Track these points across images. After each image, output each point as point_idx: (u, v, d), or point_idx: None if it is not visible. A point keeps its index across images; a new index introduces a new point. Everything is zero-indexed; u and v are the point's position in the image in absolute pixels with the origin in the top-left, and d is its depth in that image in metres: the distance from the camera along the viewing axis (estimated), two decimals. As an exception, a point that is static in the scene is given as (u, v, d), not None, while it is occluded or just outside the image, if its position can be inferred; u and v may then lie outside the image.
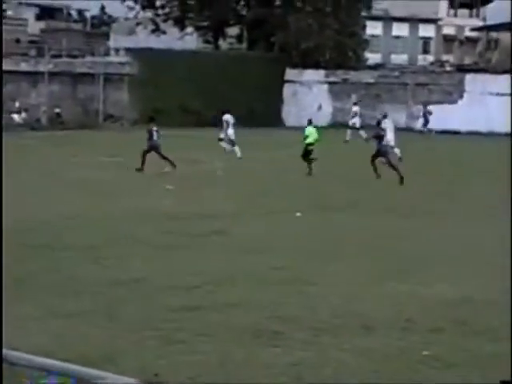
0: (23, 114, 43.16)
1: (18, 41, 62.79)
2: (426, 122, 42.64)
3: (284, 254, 13.02)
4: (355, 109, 38.91)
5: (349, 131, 37.40)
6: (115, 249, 13.16)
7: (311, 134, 26.13)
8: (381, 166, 23.40)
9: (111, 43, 63.76)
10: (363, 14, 53.05)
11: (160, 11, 52.54)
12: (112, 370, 7.10)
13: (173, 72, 44.61)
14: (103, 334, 8.76)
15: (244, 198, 19.52)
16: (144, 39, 56.02)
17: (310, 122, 26.91)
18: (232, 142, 29.21)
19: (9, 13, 70.41)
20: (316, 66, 48.01)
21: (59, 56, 49.35)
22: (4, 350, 3.51)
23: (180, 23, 52.47)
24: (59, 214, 16.41)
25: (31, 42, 63.79)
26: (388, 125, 26.70)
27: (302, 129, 29.63)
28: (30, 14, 74.07)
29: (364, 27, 54.24)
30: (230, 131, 29.46)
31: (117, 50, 59.85)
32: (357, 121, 37.79)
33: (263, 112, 45.99)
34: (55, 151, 29.30)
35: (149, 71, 44.61)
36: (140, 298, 10.24)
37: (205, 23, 52.05)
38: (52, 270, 11.57)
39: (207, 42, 54.00)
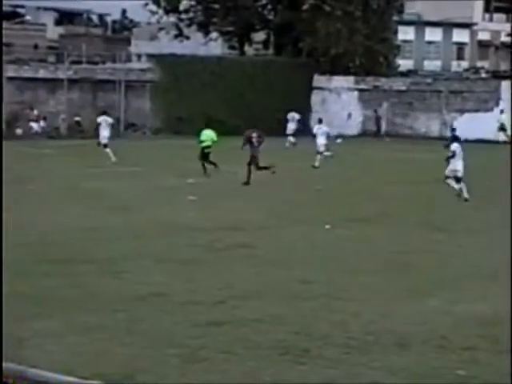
0: (42, 123, 42.41)
1: (36, 46, 61.91)
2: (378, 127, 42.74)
3: (313, 267, 12.80)
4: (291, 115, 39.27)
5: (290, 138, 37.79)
6: (137, 262, 12.95)
7: (208, 136, 26.73)
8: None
9: (133, 49, 62.88)
10: (395, 18, 51.91)
11: (184, 16, 51.67)
12: None
13: (196, 79, 43.93)
14: (124, 350, 8.52)
15: (271, 209, 19.27)
16: (167, 45, 54.90)
17: (207, 125, 27.80)
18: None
19: (27, 18, 69.59)
20: (345, 72, 47.04)
21: (79, 62, 48.30)
22: (23, 367, 3.56)
23: (204, 28, 51.63)
24: (80, 227, 16.21)
25: (50, 47, 62.93)
26: (318, 130, 29.40)
27: (331, 138, 29.19)
28: (49, 19, 73.22)
29: (395, 32, 53.15)
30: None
31: (138, 56, 58.90)
32: (292, 127, 37.77)
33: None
34: (74, 161, 29.24)
35: (171, 78, 43.91)
36: (162, 313, 10.02)
37: (230, 28, 51.23)
38: (73, 284, 11.39)
39: (232, 47, 53.23)
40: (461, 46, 73.02)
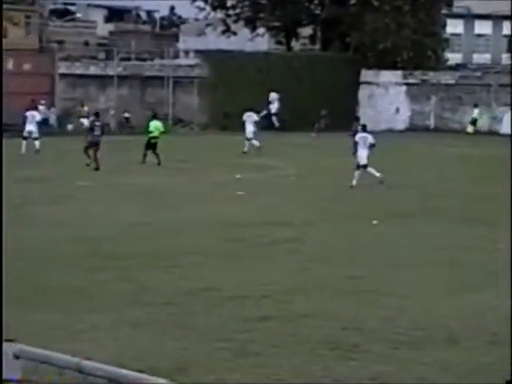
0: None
1: (86, 43, 62.49)
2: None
3: (360, 263, 12.73)
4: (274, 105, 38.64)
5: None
6: (185, 257, 13.03)
7: (156, 127, 27.49)
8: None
9: (180, 45, 63.16)
10: (443, 11, 51.21)
11: (231, 11, 51.70)
12: (185, 382, 7.25)
13: (243, 74, 43.84)
14: (175, 344, 8.61)
15: (317, 204, 19.22)
16: (214, 41, 55.10)
17: (154, 116, 28.68)
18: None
19: (78, 15, 70.29)
20: (393, 66, 46.61)
21: (128, 59, 48.72)
22: (78, 359, 3.57)
23: (251, 24, 51.60)
24: (129, 222, 16.30)
25: (100, 44, 63.43)
26: (247, 118, 30.83)
27: (379, 133, 28.96)
28: (99, 16, 73.85)
29: (444, 26, 52.55)
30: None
31: (186, 52, 59.16)
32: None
33: (337, 115, 44.52)
34: (123, 157, 29.07)
35: (219, 74, 44.01)
36: (211, 307, 10.10)
37: (277, 23, 51.13)
38: (123, 279, 11.51)
39: (279, 42, 53.13)
40: (511, 39, 71.91)
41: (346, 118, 42.50)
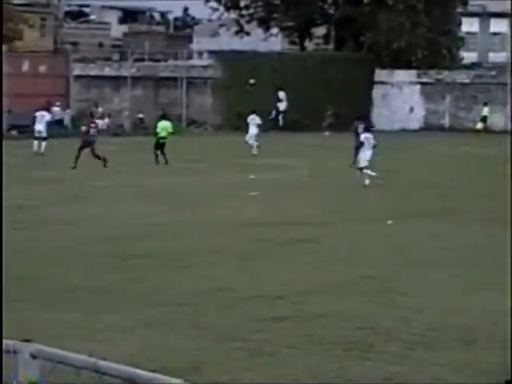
0: (106, 120, 42.85)
1: (101, 45, 62.72)
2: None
3: (375, 262, 12.70)
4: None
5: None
6: (200, 257, 13.06)
7: (163, 128, 27.67)
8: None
9: (194, 46, 63.24)
10: (458, 10, 50.97)
11: (244, 12, 51.75)
12: (199, 382, 7.26)
13: (257, 75, 43.76)
14: (189, 344, 8.62)
15: (332, 204, 19.20)
16: (227, 41, 55.15)
17: (163, 116, 28.97)
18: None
19: (92, 17, 70.53)
20: (407, 66, 46.44)
21: (142, 60, 48.85)
22: (94, 359, 3.60)
23: (265, 24, 51.62)
24: (145, 222, 16.36)
25: (114, 46, 63.65)
26: (251, 121, 31.40)
27: (393, 133, 28.66)
28: (113, 18, 74.09)
29: (459, 24, 52.26)
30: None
31: (200, 53, 59.23)
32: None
33: (351, 115, 44.44)
34: (138, 157, 29.15)
35: (232, 74, 44.04)
36: (225, 307, 10.11)
37: (290, 23, 51.13)
38: (139, 279, 11.54)
39: (293, 42, 53.14)
40: (527, 38, 71.55)
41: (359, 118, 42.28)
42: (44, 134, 30.88)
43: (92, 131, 27.24)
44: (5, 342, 3.60)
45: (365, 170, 22.58)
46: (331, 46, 51.18)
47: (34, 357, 3.53)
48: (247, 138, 31.67)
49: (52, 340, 4.57)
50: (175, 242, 14.36)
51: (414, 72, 46.75)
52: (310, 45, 53.19)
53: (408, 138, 37.61)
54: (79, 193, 20.75)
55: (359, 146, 23.48)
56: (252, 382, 7.58)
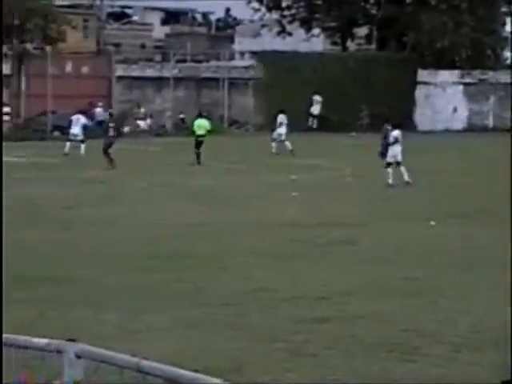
0: (148, 120, 43.12)
1: (143, 46, 63.07)
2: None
3: (417, 264, 12.61)
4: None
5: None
6: (241, 258, 13.10)
7: (200, 126, 27.83)
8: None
9: (236, 46, 63.24)
10: (503, 9, 50.34)
11: (286, 12, 51.70)
12: (240, 382, 7.31)
13: (299, 75, 43.72)
14: (230, 344, 8.65)
15: (373, 205, 19.13)
16: (269, 41, 55.10)
17: (199, 115, 29.25)
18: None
19: (134, 18, 70.95)
20: (450, 66, 45.96)
21: (184, 61, 49.02)
22: (137, 359, 3.59)
23: (306, 24, 51.53)
24: (185, 223, 16.42)
25: (156, 47, 63.95)
26: (281, 120, 31.77)
27: (436, 133, 28.32)
28: (155, 19, 74.40)
29: (504, 24, 51.56)
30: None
31: (242, 54, 59.24)
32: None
33: (394, 115, 44.19)
34: (179, 157, 29.22)
35: (274, 75, 44.04)
36: (266, 308, 10.12)
37: (332, 24, 50.97)
38: (180, 279, 11.59)
39: (334, 43, 52.94)
40: None
41: (402, 119, 42.18)
42: (80, 137, 31.06)
43: (111, 132, 27.51)
44: (50, 341, 3.61)
45: (389, 169, 22.51)
46: (373, 47, 50.96)
47: (78, 356, 3.54)
48: (275, 135, 32.01)
49: (94, 340, 4.58)
50: (216, 243, 14.41)
51: (457, 72, 46.33)
52: (351, 45, 52.99)
53: (451, 139, 37.29)
54: (120, 193, 20.88)
55: (393, 142, 23.25)
56: (293, 382, 7.57)
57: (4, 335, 3.76)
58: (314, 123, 41.61)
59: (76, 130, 31.26)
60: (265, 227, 15.98)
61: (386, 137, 24.82)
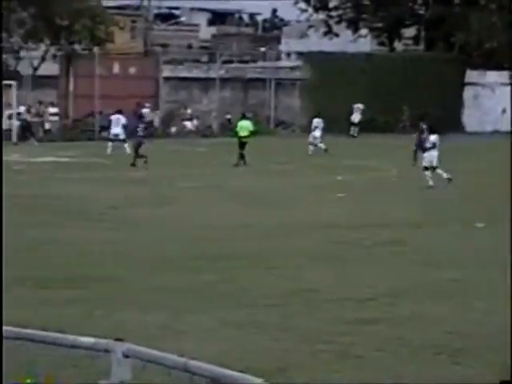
0: (195, 121, 43.31)
1: (190, 47, 63.38)
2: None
3: (464, 265, 12.52)
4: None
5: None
6: (287, 259, 13.11)
7: (243, 127, 27.98)
8: None
9: (282, 47, 63.30)
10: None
11: (333, 13, 51.60)
12: (286, 383, 7.32)
13: (345, 76, 43.60)
14: (276, 345, 8.65)
15: (419, 206, 19.01)
16: (316, 42, 55.01)
17: (243, 116, 29.53)
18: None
19: (181, 19, 71.33)
20: (499, 66, 45.35)
21: (230, 61, 49.16)
22: (185, 359, 3.60)
23: (354, 25, 51.37)
24: (232, 224, 16.45)
25: (203, 47, 64.23)
26: (317, 124, 32.56)
27: (485, 134, 27.98)
28: (202, 20, 74.78)
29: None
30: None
31: (288, 54, 59.27)
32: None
33: (441, 116, 43.85)
34: (226, 158, 29.37)
35: (321, 75, 43.98)
36: (313, 309, 10.10)
37: (380, 24, 50.65)
38: (226, 280, 11.62)
39: (382, 43, 52.57)
40: None
41: (450, 120, 41.98)
42: (121, 137, 31.23)
43: (140, 131, 27.73)
44: (98, 340, 3.63)
45: (435, 171, 22.41)
46: (421, 47, 50.62)
47: (126, 356, 3.55)
48: (311, 139, 32.38)
49: (140, 340, 4.61)
50: (262, 243, 14.41)
51: (506, 73, 45.80)
52: (399, 45, 52.70)
53: (499, 140, 36.81)
54: (167, 194, 20.99)
55: (430, 147, 22.99)
56: (339, 383, 7.52)
57: (53, 334, 3.80)
58: (355, 131, 41.50)
59: (117, 130, 31.47)
60: (311, 228, 15.97)
61: (421, 135, 24.84)
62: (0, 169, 19.77)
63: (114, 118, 32.26)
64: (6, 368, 3.98)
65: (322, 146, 31.79)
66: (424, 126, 25.11)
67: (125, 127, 31.52)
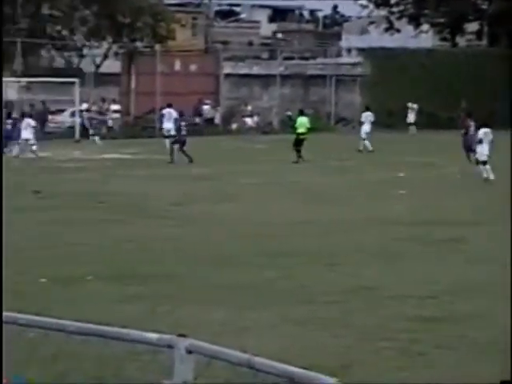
0: (255, 118, 43.38)
1: (250, 43, 63.48)
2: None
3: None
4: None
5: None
6: (347, 255, 13.09)
7: (301, 124, 27.97)
8: None
9: (343, 43, 63.04)
10: None
11: (394, 9, 51.25)
12: (351, 380, 7.28)
13: (407, 72, 43.32)
14: (338, 342, 8.63)
15: (481, 203, 18.84)
16: (377, 38, 54.68)
17: (301, 112, 29.43)
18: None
19: (242, 16, 71.49)
20: None
21: (291, 58, 49.13)
22: (248, 355, 3.59)
23: (415, 20, 50.93)
24: (292, 220, 16.45)
25: (263, 44, 64.27)
26: (365, 118, 33.00)
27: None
28: (263, 16, 74.87)
29: None
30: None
31: (349, 51, 59.02)
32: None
33: (506, 112, 43.21)
34: (286, 155, 29.37)
35: (381, 71, 43.70)
36: (374, 306, 10.08)
37: (441, 20, 50.19)
38: (286, 276, 11.64)
39: (443, 39, 52.10)
40: None
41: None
42: (173, 132, 30.41)
43: (184, 131, 27.73)
44: (161, 336, 3.67)
45: (487, 165, 22.24)
46: (484, 43, 49.94)
47: (189, 352, 3.58)
48: (362, 134, 32.35)
49: (202, 336, 4.64)
50: (322, 240, 14.40)
51: None
52: (461, 41, 52.06)
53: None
54: (228, 190, 21.08)
55: (478, 142, 22.83)
56: (403, 381, 7.48)
57: (117, 329, 3.84)
58: (413, 131, 41.24)
59: (169, 124, 30.61)
60: (371, 225, 15.91)
61: (466, 135, 24.76)
62: (0, 169, 19.68)
63: (165, 112, 32.03)
64: (74, 363, 4.05)
65: (369, 146, 31.50)
66: (471, 123, 24.80)
67: (175, 121, 30.84)
